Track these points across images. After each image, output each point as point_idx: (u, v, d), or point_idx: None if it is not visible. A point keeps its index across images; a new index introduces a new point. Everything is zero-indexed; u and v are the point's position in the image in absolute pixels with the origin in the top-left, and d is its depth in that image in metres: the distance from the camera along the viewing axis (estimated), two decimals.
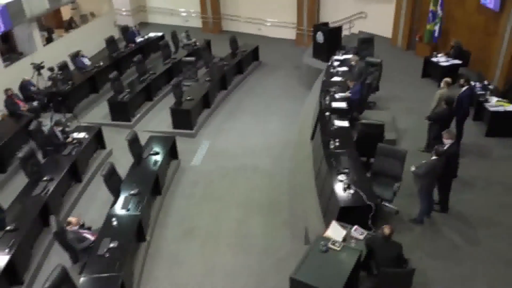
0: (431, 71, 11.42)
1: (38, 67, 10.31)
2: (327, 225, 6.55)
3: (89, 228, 6.89)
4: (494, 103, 9.14)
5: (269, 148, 10.06)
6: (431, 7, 12.12)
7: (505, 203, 7.37)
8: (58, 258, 6.99)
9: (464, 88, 8.21)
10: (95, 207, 8.27)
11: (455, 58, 11.00)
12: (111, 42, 13.51)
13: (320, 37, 12.48)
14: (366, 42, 11.73)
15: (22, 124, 9.61)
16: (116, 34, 15.09)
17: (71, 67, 12.08)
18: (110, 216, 6.97)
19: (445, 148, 6.48)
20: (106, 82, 12.36)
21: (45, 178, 7.75)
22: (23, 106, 10.04)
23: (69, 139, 8.88)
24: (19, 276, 6.35)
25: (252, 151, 9.99)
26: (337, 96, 8.86)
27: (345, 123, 8.01)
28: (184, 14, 18.14)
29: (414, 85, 11.42)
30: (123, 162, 8.72)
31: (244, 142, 10.35)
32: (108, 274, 5.87)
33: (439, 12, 11.95)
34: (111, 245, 6.32)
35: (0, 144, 8.72)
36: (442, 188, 6.82)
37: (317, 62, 12.69)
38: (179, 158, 9.50)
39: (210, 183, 9.01)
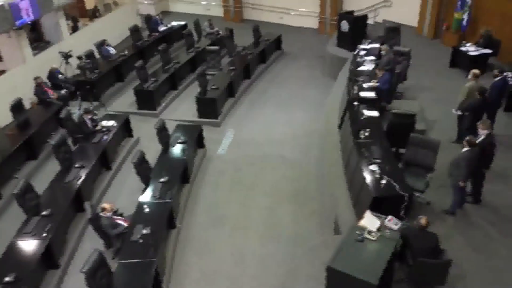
0: (459, 61, 11.22)
1: (66, 56, 10.44)
2: (358, 215, 6.56)
3: (121, 215, 7.01)
4: None
5: (295, 137, 10.05)
6: None
7: None
8: (91, 244, 7.16)
9: (497, 78, 8.04)
10: (124, 194, 8.39)
11: (484, 47, 10.78)
12: (135, 31, 13.58)
13: (345, 26, 12.34)
14: (392, 31, 11.56)
15: (52, 112, 9.77)
16: (139, 23, 15.17)
17: (96, 55, 12.19)
18: (141, 203, 7.07)
19: (480, 138, 6.38)
20: (130, 71, 12.47)
21: (77, 165, 7.89)
22: (52, 94, 10.19)
23: (98, 127, 9.00)
24: (55, 261, 6.49)
25: (277, 140, 9.99)
26: (365, 85, 8.78)
27: (375, 113, 7.94)
28: (204, 2, 18.11)
29: (442, 75, 11.24)
30: (150, 150, 8.79)
31: (269, 131, 10.35)
32: (143, 260, 5.96)
33: (468, 0, 11.70)
34: (144, 231, 6.42)
35: (32, 132, 8.88)
36: (476, 179, 6.73)
37: (342, 51, 12.57)
38: (205, 147, 9.56)
39: (237, 172, 9.06)
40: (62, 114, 9.01)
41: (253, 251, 7.08)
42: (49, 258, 6.38)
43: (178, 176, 7.80)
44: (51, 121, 9.74)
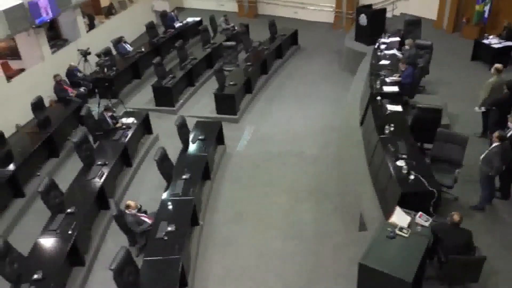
0: (481, 54, 11.01)
1: (84, 53, 10.45)
2: (384, 211, 6.48)
3: (145, 212, 7.00)
4: None
5: (313, 133, 9.96)
6: None
7: None
8: (114, 241, 7.19)
9: None
10: (145, 191, 8.40)
11: (507, 39, 10.56)
12: (151, 27, 13.56)
13: (363, 19, 12.19)
14: (412, 24, 11.38)
15: (72, 110, 9.80)
16: (154, 20, 15.14)
17: (113, 53, 12.19)
18: (165, 200, 7.06)
19: (510, 133, 6.24)
20: (147, 68, 12.48)
21: (99, 163, 7.90)
22: (71, 92, 10.22)
23: (119, 124, 9.01)
24: (80, 258, 6.51)
25: (296, 136, 9.91)
26: (388, 79, 8.65)
27: (399, 108, 7.82)
28: None
29: (464, 69, 11.05)
30: (169, 147, 8.71)
31: (288, 128, 10.28)
32: (168, 257, 5.95)
33: None
34: (169, 228, 6.40)
35: (53, 130, 8.91)
36: (504, 174, 6.58)
37: (360, 45, 12.42)
38: (225, 143, 9.51)
39: (256, 168, 9.00)
40: (83, 112, 9.02)
41: (276, 248, 7.03)
42: (74, 255, 6.39)
43: (200, 173, 7.77)
44: (71, 119, 9.77)
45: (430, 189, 5.85)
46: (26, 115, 10.01)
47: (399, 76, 8.69)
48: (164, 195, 7.21)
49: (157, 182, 8.46)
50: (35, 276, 5.68)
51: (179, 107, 11.03)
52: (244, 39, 13.33)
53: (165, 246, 6.14)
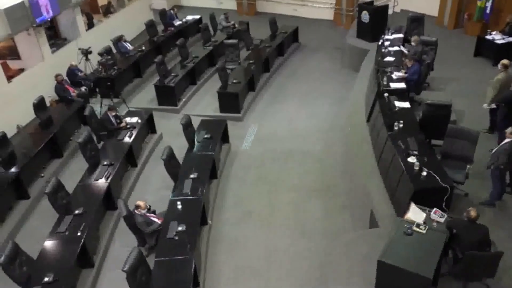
0: (484, 50, 11.01)
1: (86, 53, 10.32)
2: (396, 208, 6.45)
3: (153, 212, 6.92)
4: None
5: (318, 131, 9.93)
6: None
7: None
8: (121, 242, 7.13)
9: None
10: (151, 191, 8.33)
11: (510, 35, 10.56)
12: (151, 26, 13.44)
13: (365, 16, 12.14)
14: (415, 21, 11.34)
15: (74, 110, 9.68)
16: (152, 18, 15.00)
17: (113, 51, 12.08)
18: (173, 200, 6.98)
19: None
20: (148, 67, 12.38)
21: (105, 163, 7.80)
22: (72, 92, 10.10)
23: (123, 124, 8.91)
24: (89, 259, 6.42)
25: (300, 134, 9.87)
26: (394, 76, 8.61)
27: (406, 104, 7.79)
28: None
29: (467, 65, 11.05)
30: (173, 146, 8.59)
31: (292, 125, 10.24)
32: (181, 257, 5.89)
33: None
34: (179, 228, 6.34)
35: (56, 130, 8.80)
36: None
37: (362, 42, 12.38)
38: (229, 142, 9.45)
39: (262, 166, 8.96)
40: (86, 112, 8.91)
41: (286, 247, 7.00)
42: (83, 257, 6.31)
43: (208, 172, 7.70)
44: (73, 118, 9.66)
45: (443, 185, 5.81)
46: (26, 116, 9.92)
47: (405, 73, 8.66)
48: (173, 195, 7.13)
49: (162, 181, 8.41)
50: (46, 279, 5.60)
51: (181, 106, 10.94)
52: (245, 37, 13.25)
53: (176, 246, 6.08)
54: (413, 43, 9.51)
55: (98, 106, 10.05)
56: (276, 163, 9.00)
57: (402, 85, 8.36)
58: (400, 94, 8.09)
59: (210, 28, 14.00)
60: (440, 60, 10.47)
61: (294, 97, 11.40)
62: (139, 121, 9.12)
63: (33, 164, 8.10)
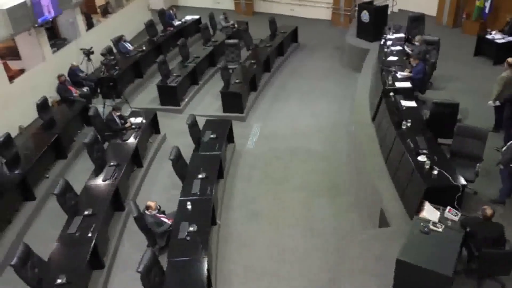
0: (484, 49, 11.12)
1: (88, 53, 10.24)
2: (406, 207, 6.48)
3: (163, 212, 6.89)
4: None
5: (321, 130, 9.97)
6: None
7: None
8: (130, 242, 7.09)
9: None
10: (157, 191, 8.29)
11: (510, 35, 10.68)
12: (150, 26, 13.37)
13: (365, 16, 12.21)
14: (416, 21, 11.42)
15: (77, 110, 9.60)
16: (151, 18, 14.92)
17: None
18: (183, 200, 6.95)
19: None
20: (149, 67, 12.32)
21: (111, 164, 7.74)
22: (75, 92, 10.01)
23: (128, 124, 8.86)
24: (100, 261, 6.37)
25: (304, 133, 9.90)
26: (399, 75, 8.67)
27: (413, 103, 7.84)
28: None
29: (468, 64, 11.15)
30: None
31: (295, 125, 10.26)
32: (194, 257, 5.87)
33: None
34: (190, 229, 6.31)
35: (60, 131, 8.71)
36: None
37: (362, 42, 12.44)
38: (234, 142, 9.44)
39: (267, 166, 8.97)
40: (91, 112, 8.84)
41: (296, 246, 7.01)
42: (94, 258, 6.25)
43: (215, 171, 7.68)
44: (76, 119, 9.58)
45: (456, 183, 5.86)
46: (27, 116, 9.82)
47: (410, 72, 8.72)
48: (182, 195, 7.11)
49: (167, 181, 8.39)
50: (59, 281, 5.55)
51: (184, 106, 10.90)
52: (245, 37, 13.23)
53: (188, 247, 6.06)
54: (416, 43, 9.58)
55: (101, 106, 9.97)
56: (282, 162, 9.02)
57: (407, 84, 8.42)
58: (406, 93, 8.14)
59: (209, 28, 13.97)
60: (440, 59, 10.52)
61: (295, 96, 11.43)
62: (144, 121, 9.06)
63: (38, 165, 8.01)
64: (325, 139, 9.64)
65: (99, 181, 7.41)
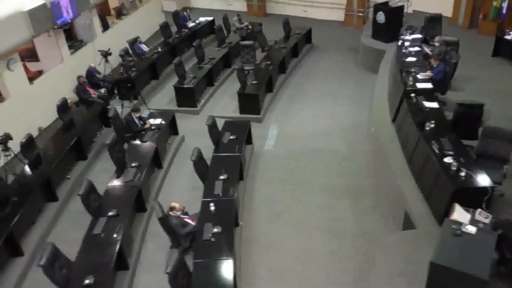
0: (503, 50, 11.04)
1: (105, 54, 10.29)
2: (432, 209, 6.42)
3: (186, 213, 6.89)
4: None
5: (340, 131, 9.93)
6: None
7: None
8: (153, 243, 7.10)
9: None
10: (177, 192, 8.29)
11: None
12: (165, 27, 13.41)
13: (381, 17, 12.16)
14: (433, 21, 11.35)
15: (96, 112, 9.64)
16: (164, 19, 14.96)
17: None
18: (206, 201, 6.95)
19: None
20: (164, 68, 12.35)
21: (133, 165, 7.76)
22: (93, 93, 10.05)
23: (147, 125, 8.88)
24: (125, 262, 6.38)
25: (321, 134, 9.87)
26: (420, 76, 8.62)
27: (435, 104, 7.78)
28: None
29: (486, 65, 11.07)
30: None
31: (313, 126, 10.23)
32: (220, 258, 5.86)
33: None
34: (215, 230, 6.31)
35: (80, 132, 8.75)
36: None
37: (378, 43, 12.40)
38: (253, 143, 9.43)
39: (287, 167, 8.94)
40: (110, 113, 8.86)
41: (319, 247, 6.97)
42: (119, 259, 6.25)
43: (237, 173, 7.68)
44: (95, 120, 9.61)
45: (484, 185, 5.81)
46: (47, 117, 9.88)
47: (430, 72, 8.67)
48: (204, 196, 7.10)
49: (187, 182, 8.40)
50: (86, 281, 5.56)
51: (201, 107, 10.91)
52: (260, 38, 13.24)
53: (214, 248, 6.05)
54: (436, 43, 9.52)
55: (119, 107, 10.00)
56: (301, 163, 8.99)
57: (428, 85, 8.36)
58: (427, 94, 8.08)
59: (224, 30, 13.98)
60: None
61: (312, 97, 11.42)
62: (163, 122, 9.08)
63: (60, 167, 8.04)
64: (344, 140, 9.60)
65: (121, 182, 7.42)
